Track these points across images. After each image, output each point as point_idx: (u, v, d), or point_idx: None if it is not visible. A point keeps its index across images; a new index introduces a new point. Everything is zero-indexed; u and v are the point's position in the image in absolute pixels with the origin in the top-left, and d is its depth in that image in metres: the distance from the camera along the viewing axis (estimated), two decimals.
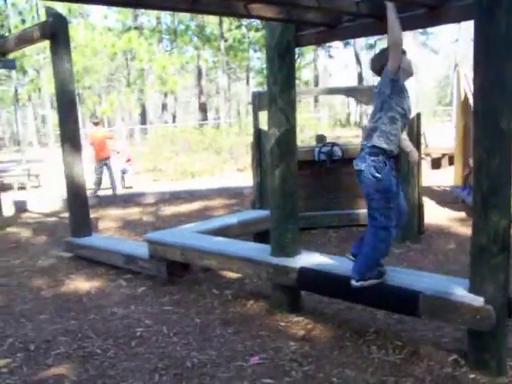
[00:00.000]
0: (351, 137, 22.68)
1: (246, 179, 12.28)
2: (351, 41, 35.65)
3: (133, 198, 12.14)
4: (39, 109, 46.62)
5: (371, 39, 39.25)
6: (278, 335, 4.37)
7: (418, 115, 6.90)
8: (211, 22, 31.50)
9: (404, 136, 4.16)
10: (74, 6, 24.81)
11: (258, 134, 7.34)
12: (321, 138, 8.45)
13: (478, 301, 3.46)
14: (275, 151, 4.64)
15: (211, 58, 36.40)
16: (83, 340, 4.45)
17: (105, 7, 26.76)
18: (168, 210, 10.69)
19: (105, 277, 6.22)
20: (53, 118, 30.03)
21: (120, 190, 13.38)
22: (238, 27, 31.42)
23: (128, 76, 34.24)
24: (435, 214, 8.57)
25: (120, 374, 3.85)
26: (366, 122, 15.99)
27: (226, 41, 31.35)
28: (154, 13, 29.10)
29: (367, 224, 4.66)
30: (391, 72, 3.75)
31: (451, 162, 12.32)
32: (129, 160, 14.78)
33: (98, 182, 12.49)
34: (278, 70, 4.52)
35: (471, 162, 4.06)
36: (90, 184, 13.19)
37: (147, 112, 35.85)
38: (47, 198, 12.29)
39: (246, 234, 6.89)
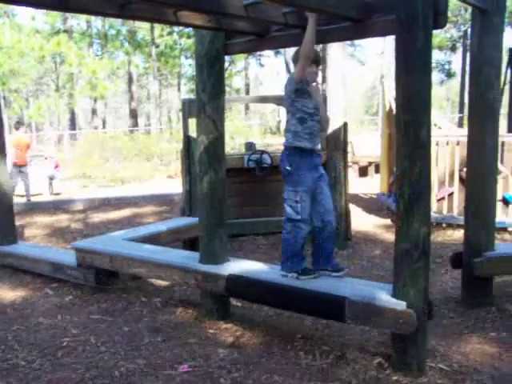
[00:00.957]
0: (281, 145, 22.88)
1: (176, 186, 12.21)
2: (282, 50, 36.05)
3: (61, 205, 11.86)
4: None
5: None
6: (207, 342, 4.36)
7: (345, 124, 7.06)
8: (143, 27, 31.23)
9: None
10: None
11: (188, 140, 7.32)
12: (250, 146, 8.51)
13: (401, 305, 3.56)
14: (204, 158, 4.65)
15: (142, 63, 36.07)
16: (7, 352, 4.30)
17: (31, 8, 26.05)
18: (97, 216, 10.50)
19: (31, 286, 6.04)
20: None
21: (48, 197, 13.05)
22: (170, 33, 31.28)
23: (57, 80, 33.49)
24: (362, 221, 8.78)
25: None
26: None
27: (157, 47, 31.15)
28: (83, 16, 28.57)
29: None
30: (296, 81, 4.14)
31: (377, 170, 12.64)
32: (57, 166, 14.45)
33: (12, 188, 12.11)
34: (206, 77, 4.53)
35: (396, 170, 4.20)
36: (19, 190, 12.90)
37: (77, 117, 35.15)
38: None
39: (175, 242, 6.85)
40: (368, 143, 14.68)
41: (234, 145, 19.52)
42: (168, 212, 10.58)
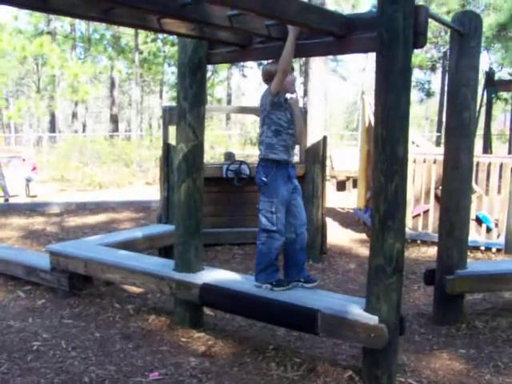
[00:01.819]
0: None
1: (154, 193, 12.16)
2: (265, 61, 36.23)
3: (37, 208, 11.74)
4: None
5: None
6: (178, 351, 4.35)
7: (325, 138, 7.11)
8: (127, 33, 31.14)
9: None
10: None
11: (167, 148, 7.31)
12: (229, 156, 8.53)
13: (373, 319, 3.59)
14: (182, 166, 4.66)
15: (125, 69, 35.95)
16: None
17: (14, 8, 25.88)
18: (73, 221, 10.42)
19: (2, 288, 5.97)
20: None
21: (24, 199, 12.92)
22: (154, 40, 31.25)
23: (38, 82, 33.24)
24: (338, 235, 8.83)
25: None
26: None
27: (141, 53, 31.08)
28: (67, 19, 28.45)
29: None
30: (272, 94, 4.18)
31: (355, 185, 12.73)
32: (34, 168, 14.31)
33: None
34: (188, 85, 4.55)
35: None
36: None
37: (57, 120, 34.86)
38: None
39: (151, 249, 6.83)
40: (347, 158, 14.78)
41: (213, 154, 19.53)
42: (145, 219, 10.54)
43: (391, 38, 3.39)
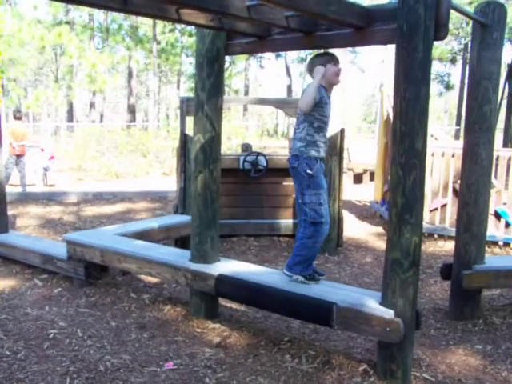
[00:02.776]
0: (278, 147, 22.96)
1: (170, 183, 12.20)
2: (282, 53, 36.10)
3: (54, 197, 11.82)
4: None
5: (302, 53, 39.89)
6: (193, 341, 4.36)
7: (342, 130, 7.07)
8: (145, 23, 31.24)
9: None
10: None
11: (184, 139, 7.32)
12: (246, 147, 8.52)
13: (389, 313, 3.57)
14: (199, 157, 4.65)
15: (143, 59, 36.05)
16: None
17: None
18: (90, 210, 10.48)
19: (20, 276, 6.03)
20: None
21: (42, 188, 13.02)
22: (172, 31, 31.30)
23: (56, 71, 33.41)
24: (354, 228, 8.80)
25: (29, 376, 3.73)
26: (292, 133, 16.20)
27: (158, 43, 31.15)
28: (86, 8, 28.53)
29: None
30: (301, 111, 4.18)
31: (372, 178, 12.67)
32: (52, 157, 14.41)
33: (7, 177, 12.07)
34: (206, 76, 4.53)
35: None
36: (14, 180, 12.86)
37: (74, 110, 35.09)
38: None
39: (167, 239, 6.86)
40: (364, 150, 14.71)
41: (230, 145, 19.54)
42: (161, 209, 10.58)
43: (411, 29, 3.35)
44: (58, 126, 31.51)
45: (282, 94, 39.03)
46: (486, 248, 7.43)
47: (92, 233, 6.21)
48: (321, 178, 4.25)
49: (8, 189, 11.64)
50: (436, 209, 8.11)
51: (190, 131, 6.14)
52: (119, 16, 29.88)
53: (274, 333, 4.59)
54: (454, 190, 7.70)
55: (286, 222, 7.80)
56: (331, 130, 7.06)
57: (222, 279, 4.46)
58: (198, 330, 4.60)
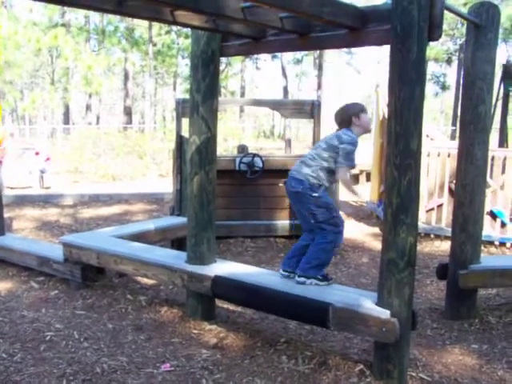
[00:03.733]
0: (274, 149, 22.95)
1: (167, 185, 12.18)
2: (279, 54, 36.12)
3: (51, 199, 11.80)
4: None
5: (298, 54, 39.93)
6: (190, 343, 4.37)
7: None
8: (141, 25, 31.20)
9: None
10: None
11: (180, 140, 7.32)
12: (242, 148, 8.52)
13: (385, 314, 3.58)
14: (195, 159, 4.66)
15: (139, 61, 36.03)
16: None
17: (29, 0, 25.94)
18: (86, 212, 10.47)
19: (16, 278, 6.02)
20: None
21: (38, 190, 12.99)
22: (168, 32, 31.29)
23: (52, 74, 33.36)
24: (351, 229, 8.80)
25: (26, 379, 3.74)
26: (289, 134, 16.18)
27: (154, 45, 31.13)
28: (82, 11, 28.53)
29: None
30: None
31: (368, 179, 12.66)
32: (48, 159, 14.37)
33: None
34: (201, 78, 4.54)
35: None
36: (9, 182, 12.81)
37: (71, 112, 35.05)
38: None
39: (163, 241, 6.86)
40: (361, 151, 14.68)
41: (226, 147, 19.52)
42: (158, 211, 10.57)
43: (405, 30, 3.36)
44: (55, 128, 31.46)
45: (278, 96, 39.05)
46: (482, 248, 7.46)
47: (88, 235, 6.21)
48: (326, 195, 4.38)
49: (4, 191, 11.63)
50: (432, 209, 8.12)
51: (186, 133, 6.14)
52: (115, 18, 29.84)
53: (270, 334, 4.59)
54: (450, 190, 7.72)
55: (283, 222, 7.80)
56: (327, 131, 7.08)
57: (218, 280, 4.47)
58: (195, 331, 4.61)
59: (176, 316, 4.95)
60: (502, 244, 7.71)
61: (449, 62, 32.50)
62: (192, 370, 3.89)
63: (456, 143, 5.49)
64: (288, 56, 38.30)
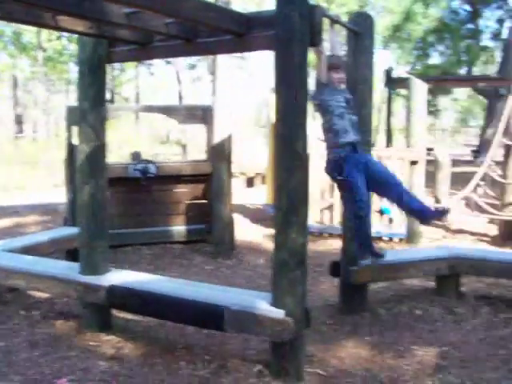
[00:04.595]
0: (171, 154, 22.76)
1: (62, 195, 11.83)
2: (172, 60, 35.90)
3: None
4: None
5: (192, 60, 39.83)
6: (87, 355, 4.25)
7: (230, 136, 7.15)
8: (29, 29, 30.05)
9: None
10: None
11: (71, 149, 7.14)
12: (136, 155, 8.43)
13: (279, 313, 3.65)
14: (84, 168, 4.56)
15: (29, 67, 34.69)
16: None
17: None
18: None
19: None
20: None
21: None
22: (59, 38, 30.33)
23: None
24: (247, 231, 8.90)
25: None
26: (185, 140, 16.15)
27: (44, 51, 30.10)
28: None
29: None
30: None
31: (264, 181, 12.86)
32: None
33: None
34: (88, 85, 4.45)
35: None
36: None
37: None
38: None
39: (57, 252, 6.64)
40: (256, 154, 14.90)
41: (122, 154, 19.19)
42: (52, 222, 10.21)
43: (288, 36, 3.46)
44: None
45: (174, 101, 38.83)
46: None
47: None
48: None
49: None
50: (325, 208, 8.37)
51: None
52: (1, 22, 28.65)
53: (168, 340, 4.57)
54: None
55: (178, 228, 7.79)
56: (220, 136, 7.15)
57: (113, 290, 4.40)
58: (92, 343, 4.50)
59: (72, 329, 4.81)
60: (391, 239, 8.08)
61: None
62: (89, 383, 3.80)
63: None
64: (182, 61, 38.11)
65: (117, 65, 32.99)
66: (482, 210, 8.83)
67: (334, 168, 4.48)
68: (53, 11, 3.55)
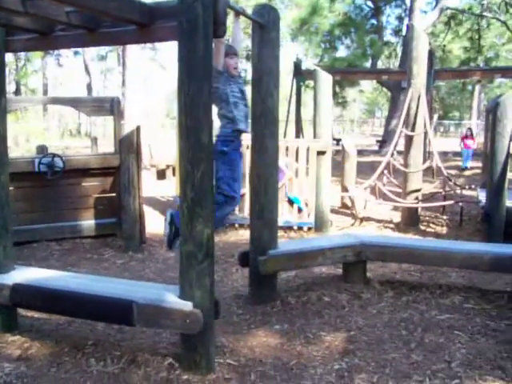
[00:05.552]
0: (81, 147, 22.23)
1: None
2: (81, 50, 34.97)
3: None
4: None
5: (102, 50, 38.95)
6: None
7: (138, 128, 7.05)
8: None
9: None
10: None
11: None
12: (42, 149, 8.20)
13: (187, 305, 3.65)
14: None
15: None
16: None
17: None
18: None
19: None
20: None
21: None
22: None
23: None
24: (159, 224, 8.79)
25: None
26: (94, 132, 15.78)
27: None
28: None
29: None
30: None
31: (175, 173, 12.77)
32: None
33: None
34: None
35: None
36: None
37: None
38: None
39: None
40: (167, 146, 14.78)
41: (29, 147, 18.58)
42: None
43: (191, 27, 3.43)
44: None
45: (83, 93, 37.85)
46: (283, 233, 7.92)
47: None
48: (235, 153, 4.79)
49: None
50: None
51: None
52: None
53: (77, 338, 4.46)
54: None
55: (88, 222, 7.64)
56: (128, 128, 7.04)
57: (17, 288, 4.25)
58: None
59: None
60: (300, 228, 8.23)
61: (248, 58, 33.78)
62: None
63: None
64: (91, 52, 37.20)
65: (22, 55, 31.84)
66: (386, 198, 9.16)
67: (224, 143, 4.64)
68: None
